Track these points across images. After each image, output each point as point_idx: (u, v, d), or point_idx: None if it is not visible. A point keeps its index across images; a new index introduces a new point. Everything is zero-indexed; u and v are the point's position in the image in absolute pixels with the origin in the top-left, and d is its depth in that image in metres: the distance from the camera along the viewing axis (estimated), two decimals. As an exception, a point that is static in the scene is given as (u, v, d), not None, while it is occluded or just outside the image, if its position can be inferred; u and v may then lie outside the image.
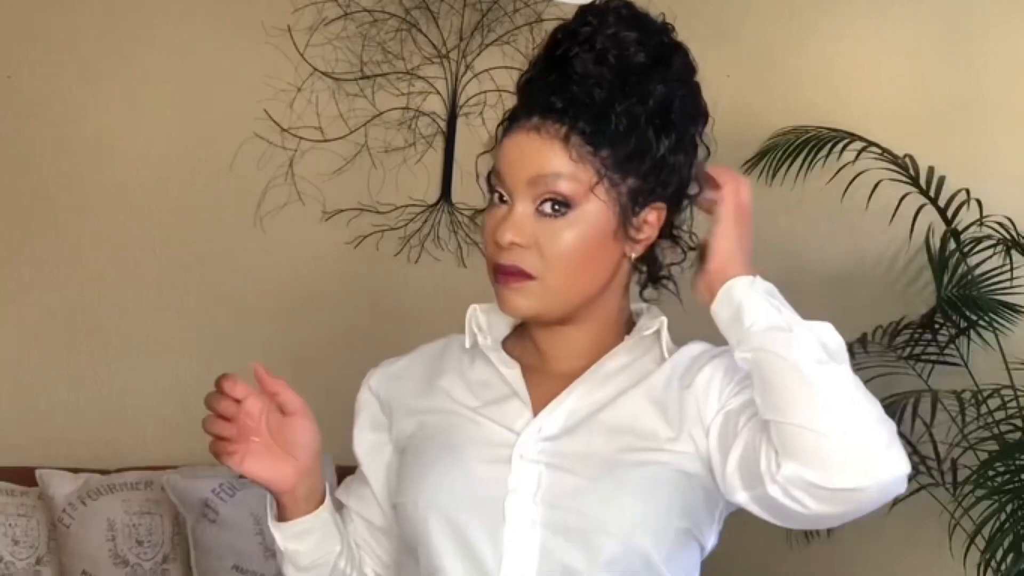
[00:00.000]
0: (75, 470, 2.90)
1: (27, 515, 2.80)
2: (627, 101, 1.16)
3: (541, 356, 1.27)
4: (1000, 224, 2.83)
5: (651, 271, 1.27)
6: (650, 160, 1.18)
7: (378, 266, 3.16)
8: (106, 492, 2.83)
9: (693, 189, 1.24)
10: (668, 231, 1.24)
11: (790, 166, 2.96)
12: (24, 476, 2.86)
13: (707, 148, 1.23)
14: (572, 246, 1.17)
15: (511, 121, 1.22)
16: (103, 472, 2.91)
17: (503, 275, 1.19)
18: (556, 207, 1.17)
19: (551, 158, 1.16)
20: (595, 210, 1.17)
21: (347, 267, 3.17)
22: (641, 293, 1.28)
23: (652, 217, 1.21)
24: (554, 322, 1.24)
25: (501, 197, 1.20)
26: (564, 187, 1.16)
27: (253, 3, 3.13)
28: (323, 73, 3.12)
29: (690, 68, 1.22)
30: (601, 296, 1.23)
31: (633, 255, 1.23)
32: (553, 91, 1.17)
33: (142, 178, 3.14)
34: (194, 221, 3.15)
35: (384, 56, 3.14)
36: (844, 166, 2.92)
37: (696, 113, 1.22)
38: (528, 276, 1.18)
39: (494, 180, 1.21)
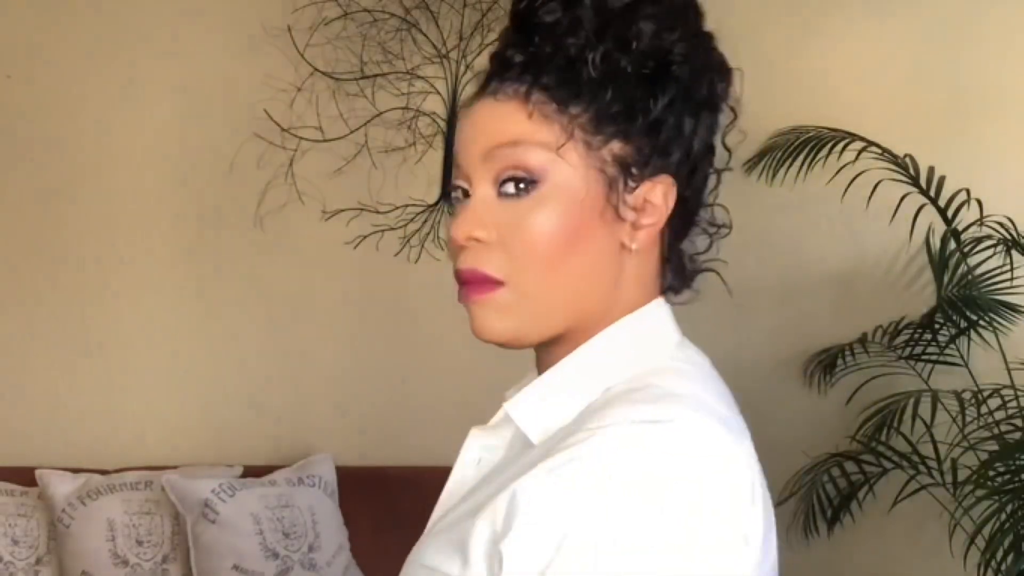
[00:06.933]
0: (75, 470, 2.90)
1: (27, 515, 2.80)
2: (602, 47, 0.90)
3: None
4: (1000, 224, 2.83)
5: (676, 267, 0.99)
6: (642, 120, 0.92)
7: (378, 266, 3.16)
8: (106, 492, 2.83)
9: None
10: (686, 214, 0.98)
11: (790, 166, 2.96)
12: (24, 476, 2.87)
13: (732, 111, 1.00)
14: (543, 233, 0.89)
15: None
16: (103, 472, 2.91)
17: (464, 286, 0.92)
18: (519, 185, 0.90)
19: (506, 122, 0.91)
20: (568, 181, 0.90)
21: (347, 267, 3.17)
22: (664, 294, 1.00)
23: (657, 195, 0.93)
24: (540, 348, 0.96)
25: (464, 192, 0.94)
26: (525, 156, 0.90)
27: (253, 3, 3.13)
28: (323, 73, 3.12)
29: (693, 9, 0.96)
30: (601, 308, 0.94)
31: (634, 245, 0.93)
32: (512, 47, 0.93)
33: (142, 178, 3.14)
34: (194, 221, 3.16)
35: (384, 56, 3.14)
36: (844, 166, 2.92)
37: (708, 65, 0.96)
38: (494, 282, 0.91)
39: (454, 173, 0.95)
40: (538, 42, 0.91)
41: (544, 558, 0.79)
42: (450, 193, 0.96)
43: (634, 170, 0.92)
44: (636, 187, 0.92)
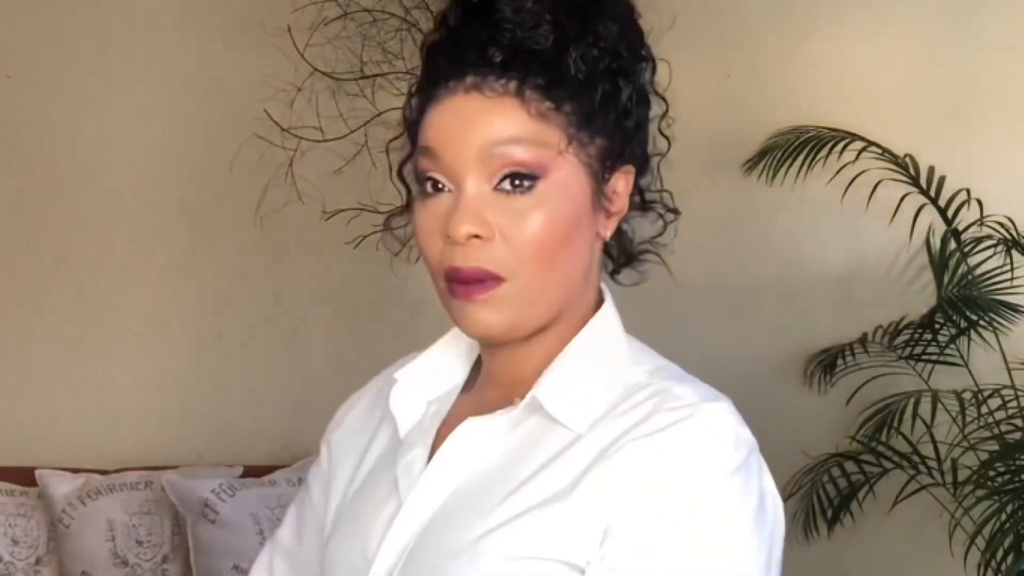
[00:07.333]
0: (75, 470, 2.90)
1: (27, 515, 2.80)
2: (580, 44, 0.93)
3: (486, 377, 1.03)
4: (1000, 224, 2.83)
5: (625, 250, 1.04)
6: (614, 114, 0.96)
7: (378, 266, 3.16)
8: (106, 492, 2.83)
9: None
10: (638, 199, 1.02)
11: (790, 166, 2.96)
12: (24, 476, 2.87)
13: (664, 100, 1.02)
14: (545, 230, 0.92)
15: (430, 89, 0.96)
16: (103, 472, 2.91)
17: (463, 284, 0.93)
18: (519, 182, 0.92)
19: (505, 120, 0.92)
20: (565, 180, 0.93)
21: (347, 267, 3.17)
22: (613, 276, 1.05)
23: (621, 185, 0.98)
24: (517, 339, 0.97)
25: (436, 184, 0.95)
26: (527, 155, 0.91)
27: (253, 3, 3.13)
28: (323, 73, 3.12)
29: (629, 3, 0.99)
30: (578, 296, 0.99)
31: (608, 234, 0.99)
32: (485, 41, 0.92)
33: (142, 178, 3.14)
34: (194, 221, 3.16)
35: (384, 56, 3.14)
36: (844, 166, 2.92)
37: (644, 57, 0.99)
38: (496, 278, 0.92)
39: (425, 164, 0.95)
40: (516, 37, 0.92)
41: (689, 525, 0.87)
42: (429, 180, 0.96)
43: (610, 163, 0.96)
44: (609, 179, 0.97)
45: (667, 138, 1.02)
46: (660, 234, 1.04)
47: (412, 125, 0.99)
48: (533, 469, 0.93)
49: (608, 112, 0.95)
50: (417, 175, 0.97)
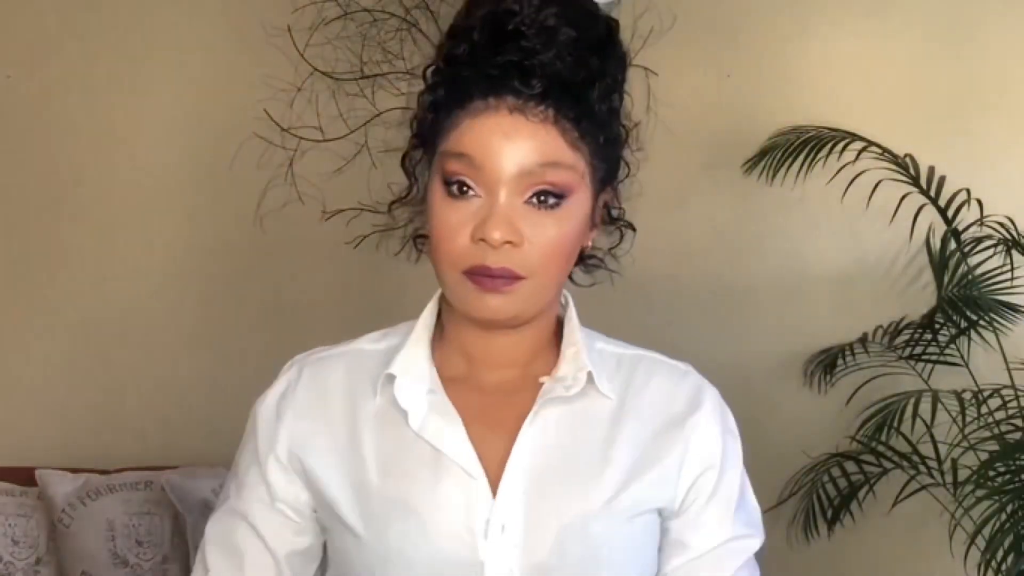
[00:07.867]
0: (75, 470, 2.90)
1: (27, 515, 2.80)
2: (602, 82, 1.06)
3: (469, 363, 1.17)
4: (1000, 224, 2.83)
5: (583, 254, 1.18)
6: (614, 143, 1.11)
7: (378, 266, 3.16)
8: (106, 492, 2.83)
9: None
10: (607, 214, 1.17)
11: (790, 166, 2.96)
12: (24, 476, 2.87)
13: (625, 128, 1.15)
14: (562, 241, 1.07)
15: (463, 99, 1.06)
16: (103, 472, 2.91)
17: (489, 278, 1.05)
18: (547, 198, 1.05)
19: (548, 144, 1.04)
20: (580, 201, 1.07)
21: (347, 267, 3.17)
22: (570, 276, 1.18)
23: (601, 203, 1.14)
24: (514, 325, 1.13)
25: (462, 187, 1.05)
26: (560, 177, 1.04)
27: (253, 3, 3.13)
28: (323, 73, 3.12)
29: (622, 43, 1.11)
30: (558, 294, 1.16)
31: (590, 244, 1.16)
32: (523, 68, 1.03)
33: (142, 178, 3.14)
34: (194, 221, 3.16)
35: (384, 56, 3.14)
36: (844, 166, 2.92)
37: (623, 91, 1.13)
38: (519, 277, 1.06)
39: (459, 168, 1.05)
40: (549, 69, 1.03)
41: (739, 463, 1.18)
42: (458, 182, 1.06)
43: (603, 184, 1.12)
44: (599, 198, 1.13)
45: (628, 165, 1.16)
46: (617, 244, 1.19)
47: (430, 125, 1.09)
48: (606, 438, 1.12)
49: (613, 143, 1.10)
50: (444, 176, 1.06)
